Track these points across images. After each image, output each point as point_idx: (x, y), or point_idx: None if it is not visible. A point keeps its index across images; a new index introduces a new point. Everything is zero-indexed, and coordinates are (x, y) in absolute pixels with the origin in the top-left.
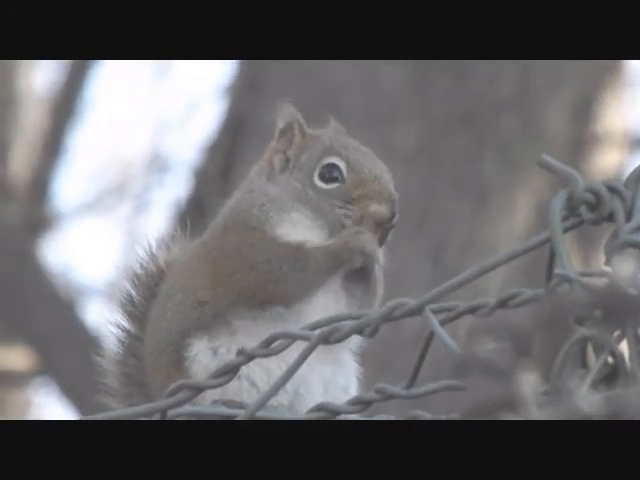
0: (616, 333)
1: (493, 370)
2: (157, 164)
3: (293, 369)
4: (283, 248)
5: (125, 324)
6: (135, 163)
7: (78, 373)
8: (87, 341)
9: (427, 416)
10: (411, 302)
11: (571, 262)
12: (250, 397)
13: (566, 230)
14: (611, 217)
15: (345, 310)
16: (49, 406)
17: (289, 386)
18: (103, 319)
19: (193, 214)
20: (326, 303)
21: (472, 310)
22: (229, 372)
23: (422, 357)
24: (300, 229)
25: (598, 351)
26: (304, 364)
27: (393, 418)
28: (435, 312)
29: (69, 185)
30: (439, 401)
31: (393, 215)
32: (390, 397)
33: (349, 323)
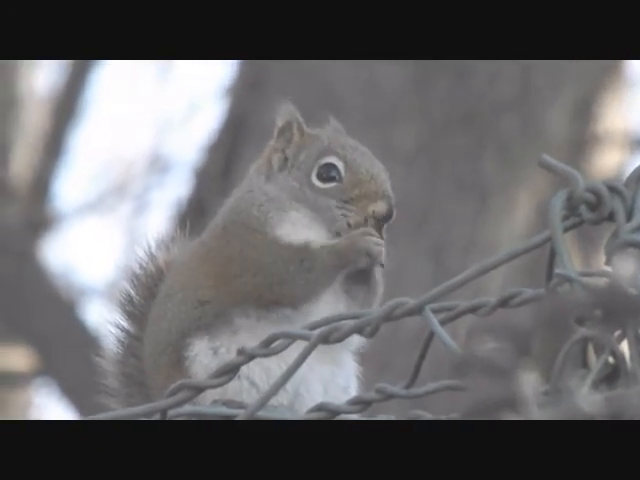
0: (617, 333)
1: (493, 370)
2: (157, 164)
3: (293, 369)
4: (287, 249)
5: (125, 324)
6: (135, 163)
7: (78, 373)
8: (87, 341)
9: (427, 416)
10: (411, 302)
11: (571, 262)
12: (250, 397)
13: (566, 230)
14: (611, 217)
15: (346, 311)
16: (50, 406)
17: (289, 386)
18: (103, 319)
19: (194, 214)
20: (332, 303)
21: (472, 309)
22: (229, 372)
23: (422, 357)
24: (300, 228)
25: (599, 351)
26: (304, 364)
27: (393, 418)
28: (435, 312)
29: (70, 186)
30: (439, 401)
31: (391, 213)
32: (390, 397)
33: (349, 323)
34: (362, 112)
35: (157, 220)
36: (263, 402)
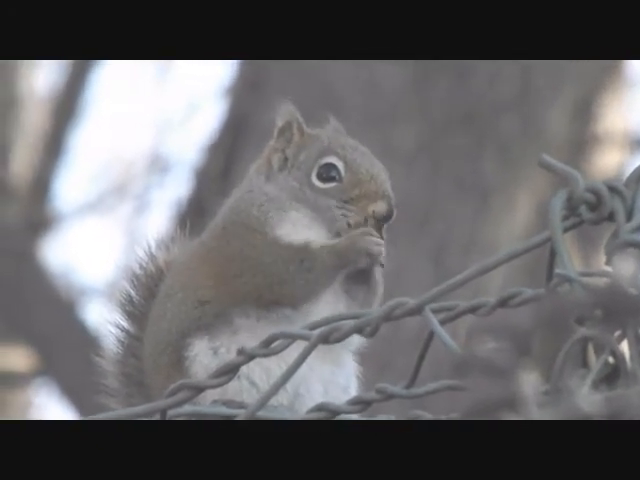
0: (617, 333)
1: (493, 370)
2: (157, 164)
3: (293, 369)
4: (287, 249)
5: (125, 324)
6: (135, 163)
7: (78, 373)
8: (87, 341)
9: (427, 416)
10: (411, 301)
11: (571, 262)
12: (250, 397)
13: (566, 230)
14: (611, 217)
15: (346, 311)
16: (49, 406)
17: (289, 386)
18: (103, 319)
19: (194, 214)
20: (332, 303)
21: (472, 309)
22: (229, 372)
23: (422, 357)
24: (300, 228)
25: (599, 351)
26: (304, 364)
27: (393, 418)
28: (435, 311)
29: (70, 186)
30: (439, 401)
31: (391, 212)
32: (390, 397)
33: (349, 322)
34: (362, 112)
35: (157, 220)
36: (263, 402)
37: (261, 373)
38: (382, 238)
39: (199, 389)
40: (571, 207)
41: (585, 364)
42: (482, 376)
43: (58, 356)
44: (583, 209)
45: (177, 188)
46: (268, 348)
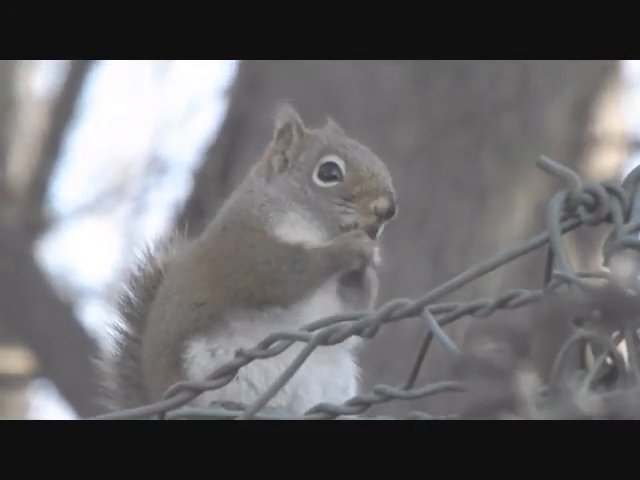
0: (615, 334)
1: (492, 371)
2: (156, 165)
3: (292, 370)
4: (282, 249)
5: (123, 326)
6: (134, 164)
7: (76, 375)
8: (85, 343)
9: (426, 417)
10: (410, 302)
11: (570, 263)
12: (249, 398)
13: (564, 231)
14: (609, 218)
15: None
16: (48, 408)
17: (288, 387)
18: (101, 321)
19: (192, 215)
20: (324, 304)
21: (471, 310)
22: (228, 373)
23: (421, 358)
24: (299, 229)
25: (597, 352)
26: (303, 365)
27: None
28: (434, 312)
29: (68, 187)
30: (438, 402)
31: (393, 209)
32: (389, 398)
33: (348, 324)
34: (362, 112)
35: (155, 221)
36: (262, 404)
37: (260, 374)
38: (376, 238)
39: (197, 391)
40: (569, 208)
41: (583, 365)
42: (481, 377)
43: (56, 358)
44: (581, 210)
45: (175, 189)
46: (267, 349)
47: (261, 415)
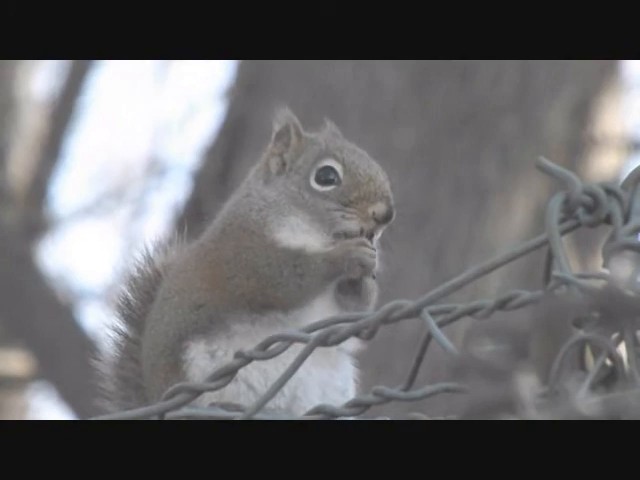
0: (614, 335)
1: (491, 372)
2: (155, 167)
3: (291, 371)
4: (283, 253)
5: (122, 328)
6: (133, 166)
7: (76, 377)
8: (85, 345)
9: (425, 419)
10: (409, 304)
11: (569, 264)
12: (247, 400)
13: (564, 232)
14: (608, 219)
15: None
16: (47, 410)
17: (286, 389)
18: (101, 323)
19: (191, 217)
20: (324, 309)
21: (470, 312)
22: (227, 375)
23: (420, 359)
24: (299, 233)
25: (596, 353)
26: (301, 367)
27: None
28: (433, 314)
29: (67, 188)
30: (437, 403)
31: (391, 213)
32: (388, 399)
33: (346, 325)
34: (362, 113)
35: (155, 223)
36: (260, 405)
37: (259, 376)
38: (375, 240)
39: (197, 392)
40: (568, 209)
41: (583, 366)
42: (480, 378)
43: (56, 359)
44: (580, 211)
45: (175, 191)
46: (266, 351)
47: (260, 417)
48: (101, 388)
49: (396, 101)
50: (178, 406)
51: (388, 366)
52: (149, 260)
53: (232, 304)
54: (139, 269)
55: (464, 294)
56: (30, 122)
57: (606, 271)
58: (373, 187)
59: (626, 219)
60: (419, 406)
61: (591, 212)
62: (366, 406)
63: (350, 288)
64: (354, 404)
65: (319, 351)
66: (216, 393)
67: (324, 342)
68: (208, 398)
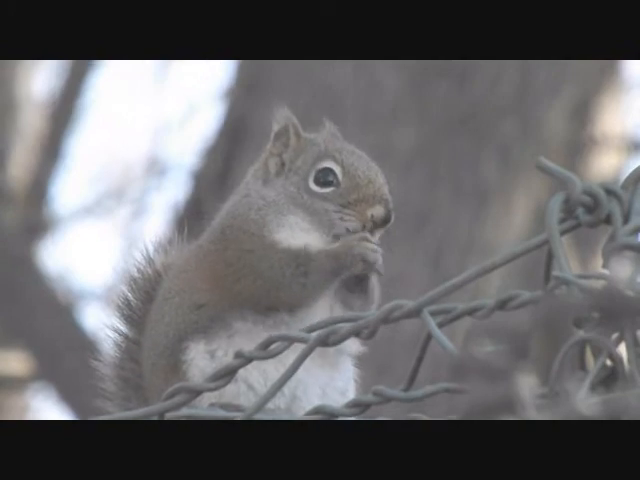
0: (614, 335)
1: (491, 372)
2: (155, 167)
3: (291, 371)
4: (284, 253)
5: (122, 328)
6: (133, 167)
7: (76, 377)
8: (85, 345)
9: (425, 419)
10: (409, 304)
11: (569, 264)
12: (247, 400)
13: (564, 232)
14: (608, 219)
15: None
16: (47, 410)
17: (286, 389)
18: (101, 323)
19: (191, 217)
20: (328, 312)
21: (470, 312)
22: (226, 375)
23: (420, 359)
24: (298, 233)
25: (596, 353)
26: (301, 367)
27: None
28: (433, 314)
29: (68, 189)
30: (437, 403)
31: (389, 216)
32: (388, 400)
33: (346, 325)
34: (361, 114)
35: (155, 223)
36: (260, 405)
37: (258, 376)
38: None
39: (197, 392)
40: (568, 210)
41: (583, 367)
42: (480, 379)
43: (56, 360)
44: (580, 212)
45: (175, 191)
46: (266, 351)
47: (260, 417)
48: (101, 388)
49: (396, 101)
50: (178, 406)
51: (388, 366)
52: (149, 260)
53: (237, 306)
54: (139, 269)
55: (465, 294)
56: (30, 122)
57: (606, 271)
58: (372, 189)
59: (626, 219)
60: (419, 406)
61: (591, 212)
62: (366, 406)
63: (356, 286)
64: (354, 404)
65: (319, 351)
66: (216, 393)
67: (324, 342)
68: (208, 398)
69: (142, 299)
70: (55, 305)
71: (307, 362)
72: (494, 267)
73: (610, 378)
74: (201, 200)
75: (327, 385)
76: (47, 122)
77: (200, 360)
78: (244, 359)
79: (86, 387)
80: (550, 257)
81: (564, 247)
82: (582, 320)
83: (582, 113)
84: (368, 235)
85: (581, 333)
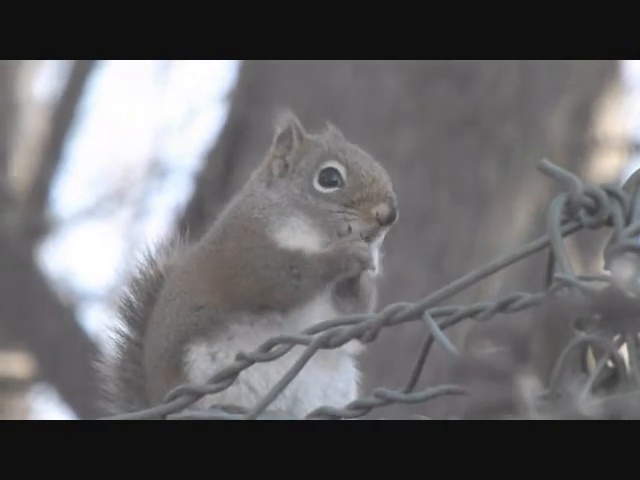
0: (616, 337)
1: (493, 374)
2: (157, 169)
3: (292, 373)
4: (281, 254)
5: (124, 329)
6: (135, 168)
7: (78, 379)
8: (87, 347)
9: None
10: (410, 306)
11: (570, 266)
12: (249, 402)
13: (565, 234)
14: (610, 221)
15: None
16: (49, 412)
17: (288, 391)
18: (103, 325)
19: (193, 219)
20: (323, 312)
21: (472, 314)
22: (228, 377)
23: (421, 361)
24: (299, 234)
25: (598, 355)
26: (303, 369)
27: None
28: (434, 316)
29: (69, 191)
30: (439, 405)
31: (394, 214)
32: (390, 401)
33: (348, 327)
34: (362, 116)
35: (156, 225)
36: (262, 407)
37: (260, 378)
38: (379, 242)
39: (198, 394)
40: (570, 211)
41: (584, 368)
42: (481, 380)
43: (58, 361)
44: (582, 213)
45: (176, 193)
46: (267, 353)
47: (261, 419)
48: (103, 390)
49: (397, 103)
50: (179, 408)
51: (390, 368)
52: (151, 262)
53: (231, 305)
54: (141, 271)
55: (466, 296)
56: (31, 124)
57: (608, 273)
58: (376, 188)
59: (628, 221)
60: (421, 408)
61: (593, 214)
62: (368, 408)
63: (347, 290)
64: (356, 406)
65: (321, 353)
66: (217, 395)
67: (326, 344)
68: (209, 400)
69: (144, 300)
70: (57, 307)
71: (308, 363)
72: (495, 269)
73: (612, 380)
74: (202, 202)
75: (328, 386)
76: (48, 124)
77: (201, 362)
78: (246, 361)
79: (88, 389)
80: (551, 259)
81: (565, 249)
82: (584, 322)
83: (583, 114)
84: (358, 236)
85: (583, 335)
